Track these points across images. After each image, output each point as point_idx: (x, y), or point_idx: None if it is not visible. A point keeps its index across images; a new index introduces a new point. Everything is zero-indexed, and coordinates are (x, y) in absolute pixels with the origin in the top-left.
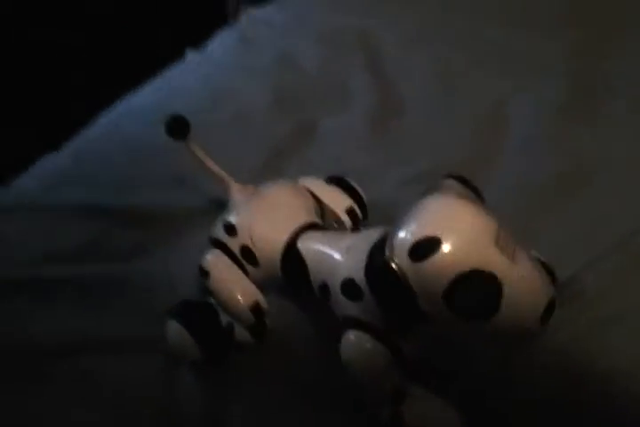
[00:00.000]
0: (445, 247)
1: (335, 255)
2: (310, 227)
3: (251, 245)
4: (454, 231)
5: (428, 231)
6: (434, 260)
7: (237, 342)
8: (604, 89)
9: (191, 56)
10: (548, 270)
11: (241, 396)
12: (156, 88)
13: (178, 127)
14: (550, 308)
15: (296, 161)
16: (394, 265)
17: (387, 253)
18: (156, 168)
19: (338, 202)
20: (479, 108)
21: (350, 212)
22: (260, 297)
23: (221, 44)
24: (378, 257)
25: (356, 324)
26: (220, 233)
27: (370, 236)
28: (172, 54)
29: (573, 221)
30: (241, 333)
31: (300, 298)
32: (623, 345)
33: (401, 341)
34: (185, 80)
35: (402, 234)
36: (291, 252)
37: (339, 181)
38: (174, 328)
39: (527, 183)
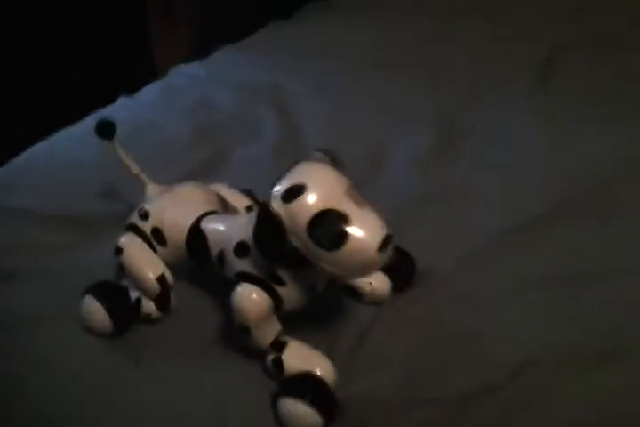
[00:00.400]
0: (308, 192)
1: (230, 228)
2: (212, 213)
3: (161, 227)
4: (315, 182)
5: (297, 181)
6: (300, 200)
7: (144, 315)
8: (462, 133)
9: (122, 100)
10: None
11: (144, 363)
12: (88, 122)
13: (106, 129)
14: (386, 242)
15: (210, 180)
16: (271, 207)
17: (266, 200)
18: (86, 182)
19: (240, 201)
20: (363, 146)
21: (249, 208)
22: (166, 271)
23: (149, 90)
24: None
25: (245, 277)
26: (134, 218)
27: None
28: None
29: (439, 225)
30: (148, 306)
31: (200, 278)
32: (469, 315)
33: (280, 291)
34: (115, 115)
35: (278, 185)
36: (195, 231)
37: (244, 191)
38: (88, 302)
39: (399, 198)
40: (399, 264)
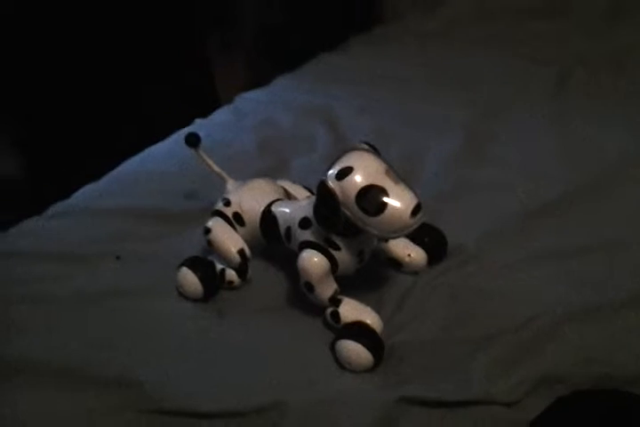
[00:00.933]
0: (355, 172)
1: (295, 209)
2: (279, 200)
3: (240, 212)
4: (361, 165)
5: (347, 164)
6: (349, 178)
7: (228, 282)
8: (486, 139)
9: (198, 121)
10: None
11: (229, 319)
12: (170, 141)
13: (193, 139)
14: (417, 209)
15: None
16: (328, 183)
17: (324, 178)
18: (170, 187)
19: (300, 193)
20: (402, 152)
21: (308, 197)
22: (245, 246)
23: (220, 113)
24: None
25: (308, 245)
26: (218, 205)
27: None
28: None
29: (467, 211)
30: (230, 275)
31: (270, 254)
32: (492, 280)
33: (336, 255)
34: None
35: (333, 168)
36: (267, 214)
37: (303, 186)
38: (184, 272)
39: (434, 190)
40: (433, 240)
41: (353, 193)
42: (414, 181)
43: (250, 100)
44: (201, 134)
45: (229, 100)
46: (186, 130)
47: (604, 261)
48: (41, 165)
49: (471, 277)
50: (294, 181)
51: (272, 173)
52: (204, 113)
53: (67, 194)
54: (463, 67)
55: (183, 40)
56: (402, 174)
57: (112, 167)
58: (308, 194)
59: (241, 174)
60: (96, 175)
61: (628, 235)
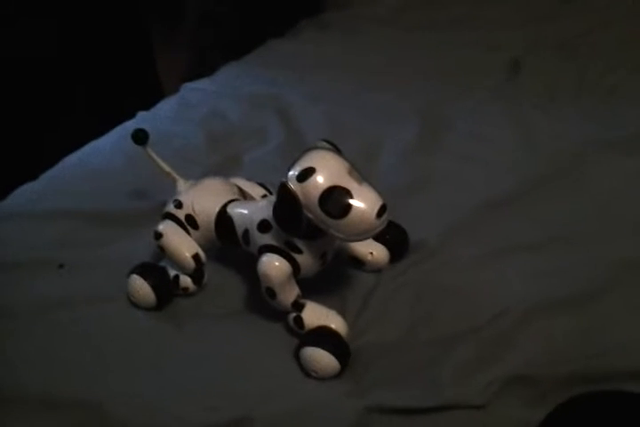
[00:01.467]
0: (317, 173)
1: (252, 210)
2: (234, 201)
3: (193, 214)
4: (323, 165)
5: (308, 164)
6: (311, 180)
7: (183, 289)
8: (442, 128)
9: (140, 114)
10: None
11: (185, 327)
12: (113, 135)
13: (141, 136)
14: (382, 210)
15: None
16: (289, 185)
17: (284, 180)
18: (116, 186)
19: (256, 191)
20: (358, 142)
21: (264, 196)
22: (199, 250)
23: (164, 105)
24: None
25: (268, 248)
26: (169, 208)
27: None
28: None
29: (427, 205)
30: (185, 281)
31: (225, 257)
32: (456, 275)
33: (298, 258)
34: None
35: (293, 169)
36: (222, 215)
37: (258, 183)
38: (134, 280)
39: (393, 184)
40: (394, 237)
41: (316, 195)
42: (371, 174)
43: (196, 90)
44: (145, 128)
45: (173, 92)
46: (130, 124)
47: (567, 252)
48: None
49: (434, 274)
50: (248, 179)
51: (223, 169)
52: (147, 105)
53: (1, 195)
54: (414, 54)
55: (126, 28)
56: (359, 167)
57: (51, 164)
58: (264, 192)
59: (190, 171)
60: (33, 174)
61: (590, 225)
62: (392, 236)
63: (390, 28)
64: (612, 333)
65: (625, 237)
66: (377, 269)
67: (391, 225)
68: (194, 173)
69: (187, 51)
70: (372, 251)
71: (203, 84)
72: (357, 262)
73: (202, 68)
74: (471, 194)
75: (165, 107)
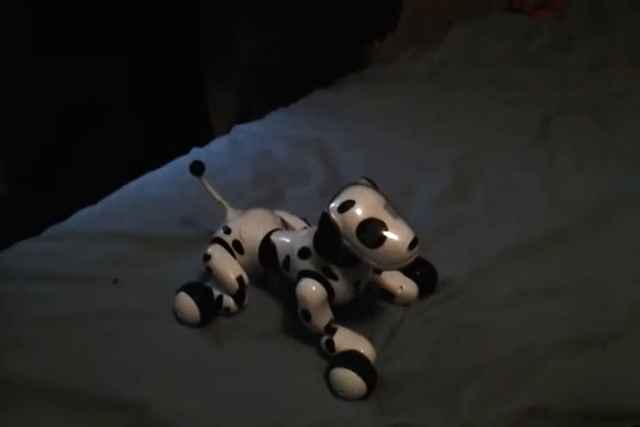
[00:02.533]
0: (357, 206)
1: (294, 238)
2: (278, 230)
3: (240, 240)
4: (362, 198)
5: (348, 197)
6: (350, 211)
7: (225, 308)
8: (473, 179)
9: (195, 150)
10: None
11: (225, 344)
12: (168, 167)
13: (197, 167)
14: (414, 243)
15: None
16: (331, 215)
17: (326, 210)
18: (169, 213)
19: (297, 224)
20: (392, 187)
21: (304, 228)
22: (243, 274)
23: (217, 143)
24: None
25: (307, 274)
26: (219, 233)
27: (315, 226)
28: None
29: (456, 246)
30: (228, 301)
31: (270, 283)
32: (480, 314)
33: (334, 284)
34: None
35: (335, 201)
36: (266, 243)
37: (300, 218)
38: (182, 297)
39: (424, 226)
40: (424, 274)
41: (354, 225)
42: (404, 216)
43: (246, 131)
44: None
45: (222, 132)
46: (185, 158)
47: (588, 298)
48: (34, 186)
49: (459, 311)
50: (291, 213)
51: (267, 203)
52: (199, 143)
53: (62, 217)
54: (450, 108)
55: (182, 68)
56: (400, 211)
57: (108, 193)
58: (305, 225)
59: (237, 203)
60: (93, 200)
61: (607, 276)
62: (422, 272)
63: (429, 84)
64: (629, 374)
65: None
66: (406, 303)
67: (422, 262)
68: (240, 204)
69: (236, 96)
70: (403, 285)
71: (253, 126)
72: (388, 295)
73: (249, 113)
74: (498, 239)
75: (218, 144)
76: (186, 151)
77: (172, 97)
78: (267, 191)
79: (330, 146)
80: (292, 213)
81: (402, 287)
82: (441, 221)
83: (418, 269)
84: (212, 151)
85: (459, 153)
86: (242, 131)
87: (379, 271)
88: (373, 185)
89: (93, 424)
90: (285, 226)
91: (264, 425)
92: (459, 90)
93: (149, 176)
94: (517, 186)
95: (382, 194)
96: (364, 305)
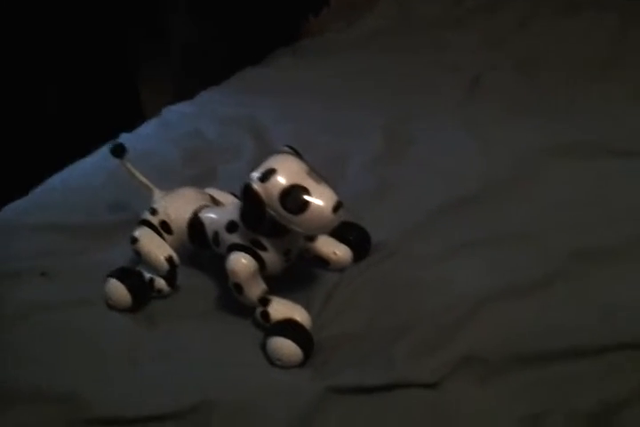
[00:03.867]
0: (278, 173)
1: (221, 213)
2: (206, 207)
3: (167, 220)
4: (283, 166)
5: (270, 166)
6: (272, 180)
7: (157, 291)
8: (404, 141)
9: (124, 135)
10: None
11: (159, 326)
12: (95, 155)
13: (118, 149)
14: (337, 206)
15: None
16: (252, 185)
17: (248, 181)
18: (98, 200)
19: (227, 199)
20: (325, 155)
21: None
22: (173, 254)
23: (146, 126)
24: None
25: (235, 247)
26: (145, 215)
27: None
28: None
29: (388, 209)
30: (159, 283)
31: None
32: (415, 271)
33: (263, 255)
34: None
35: (256, 170)
36: (194, 220)
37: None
38: (112, 283)
39: (357, 191)
40: (357, 238)
41: (276, 193)
42: (337, 182)
43: (176, 112)
44: (126, 146)
45: (155, 115)
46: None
47: (518, 248)
48: None
49: (394, 271)
50: (221, 189)
51: (199, 182)
52: (130, 127)
53: None
54: (380, 75)
55: (111, 52)
56: (325, 176)
57: (38, 183)
58: (235, 200)
59: (168, 184)
60: (23, 190)
61: (540, 223)
62: (355, 237)
63: (360, 53)
64: (557, 318)
65: (571, 233)
66: (340, 269)
67: (354, 227)
68: (171, 185)
69: (170, 78)
70: (336, 251)
71: (183, 106)
72: (322, 262)
73: (184, 93)
74: (429, 199)
75: (147, 128)
76: (116, 137)
77: (102, 83)
78: (198, 170)
79: (260, 122)
80: (225, 189)
81: (335, 253)
82: (373, 185)
83: (351, 234)
84: (141, 135)
85: (390, 118)
86: (172, 112)
87: (311, 239)
88: (296, 153)
89: (24, 417)
90: (215, 203)
91: (201, 403)
92: (389, 56)
93: (77, 164)
94: (448, 145)
95: (305, 161)
96: (299, 273)
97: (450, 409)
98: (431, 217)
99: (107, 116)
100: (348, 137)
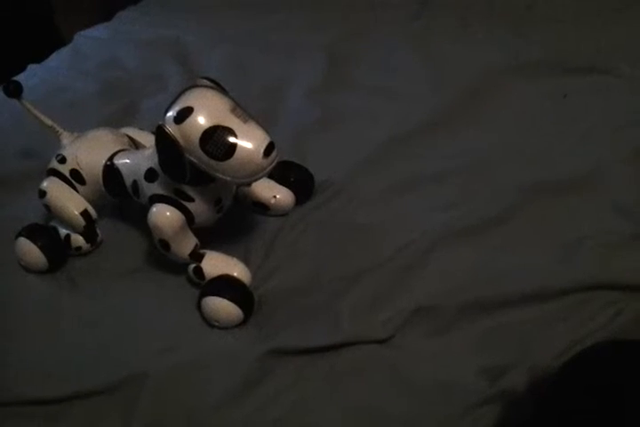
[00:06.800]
0: (196, 113)
1: (139, 159)
2: (122, 151)
3: (78, 168)
4: (202, 104)
5: (185, 104)
6: (189, 121)
7: (75, 248)
8: (349, 63)
9: (31, 67)
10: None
11: (80, 287)
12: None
13: (13, 88)
14: (269, 148)
15: None
16: (166, 128)
17: (161, 122)
18: (3, 147)
19: (149, 140)
20: (262, 82)
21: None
22: (88, 206)
23: (56, 56)
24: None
25: (158, 198)
26: (53, 164)
27: None
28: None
29: (333, 143)
30: (77, 240)
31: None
32: (362, 213)
33: (190, 206)
34: (26, 82)
35: (170, 110)
36: (109, 168)
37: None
38: (22, 243)
39: (299, 124)
40: (299, 179)
41: (196, 136)
42: (277, 114)
43: (90, 38)
44: (34, 81)
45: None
46: (19, 78)
47: (470, 182)
48: None
49: (340, 213)
50: (141, 128)
51: (119, 120)
52: (44, 55)
53: None
54: None
55: None
56: (264, 109)
57: None
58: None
59: (83, 124)
60: None
61: (493, 153)
62: (296, 178)
63: None
64: (510, 260)
65: (526, 164)
66: (282, 213)
67: (295, 167)
68: (87, 125)
69: None
70: (276, 194)
71: (98, 31)
72: (261, 207)
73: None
74: (379, 129)
75: (58, 58)
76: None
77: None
78: (117, 106)
79: (187, 45)
80: (149, 127)
81: (275, 197)
82: (317, 116)
83: (291, 175)
84: (51, 67)
85: (331, 37)
86: (85, 38)
87: (241, 185)
88: (217, 85)
89: None
90: (136, 146)
91: (123, 377)
92: None
93: None
94: (397, 67)
95: (228, 95)
96: (236, 223)
97: (403, 366)
98: (379, 150)
99: (15, 43)
100: (288, 60)
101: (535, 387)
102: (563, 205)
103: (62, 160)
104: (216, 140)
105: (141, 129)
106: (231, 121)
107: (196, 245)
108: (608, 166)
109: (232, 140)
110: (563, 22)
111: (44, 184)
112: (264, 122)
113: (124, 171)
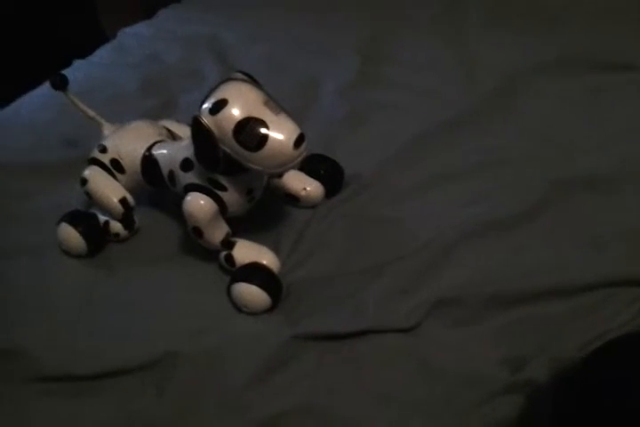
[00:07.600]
0: (231, 104)
1: (176, 150)
2: (160, 142)
3: (118, 158)
4: (236, 96)
5: (220, 96)
6: (224, 112)
7: (113, 234)
8: (380, 61)
9: (76, 63)
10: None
11: (118, 272)
12: (46, 86)
13: (59, 81)
14: (300, 140)
15: None
16: (201, 119)
17: (196, 113)
18: (49, 138)
19: (186, 132)
20: (297, 79)
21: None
22: (127, 194)
23: (100, 52)
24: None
25: (192, 187)
26: (94, 153)
27: None
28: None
29: (364, 138)
30: (115, 227)
31: (158, 202)
32: (390, 206)
33: (223, 195)
34: (71, 76)
35: (206, 102)
36: (147, 157)
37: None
38: (63, 228)
39: (331, 119)
40: (329, 172)
41: (230, 127)
42: (309, 110)
43: (132, 35)
44: (79, 75)
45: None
46: (65, 73)
47: (498, 178)
48: None
49: (367, 207)
50: (179, 121)
51: (158, 113)
52: (88, 51)
53: None
54: None
55: None
56: (296, 105)
57: None
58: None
59: (123, 117)
60: None
61: (522, 149)
62: (326, 170)
63: None
64: (536, 255)
65: (554, 160)
66: (312, 205)
67: (326, 160)
68: (128, 118)
69: None
70: (307, 186)
71: (140, 28)
72: (292, 199)
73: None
74: (408, 124)
75: (101, 53)
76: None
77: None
78: (157, 100)
79: (224, 42)
80: (185, 121)
81: (305, 189)
82: (349, 111)
83: (321, 168)
84: (95, 62)
85: (364, 35)
86: (128, 35)
87: (278, 175)
88: (251, 79)
89: None
90: (173, 137)
91: (165, 354)
92: None
93: (25, 99)
94: (427, 64)
95: (262, 88)
96: (267, 213)
97: (426, 355)
98: (408, 146)
99: (62, 41)
100: (321, 58)
101: (556, 378)
102: (590, 201)
103: (103, 150)
104: (249, 131)
105: (179, 122)
106: (264, 113)
107: (228, 233)
108: (638, 163)
109: (264, 131)
110: (594, 20)
111: (86, 172)
112: (296, 117)
113: (161, 161)
